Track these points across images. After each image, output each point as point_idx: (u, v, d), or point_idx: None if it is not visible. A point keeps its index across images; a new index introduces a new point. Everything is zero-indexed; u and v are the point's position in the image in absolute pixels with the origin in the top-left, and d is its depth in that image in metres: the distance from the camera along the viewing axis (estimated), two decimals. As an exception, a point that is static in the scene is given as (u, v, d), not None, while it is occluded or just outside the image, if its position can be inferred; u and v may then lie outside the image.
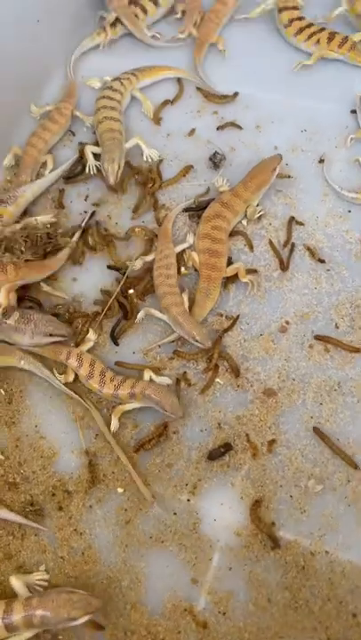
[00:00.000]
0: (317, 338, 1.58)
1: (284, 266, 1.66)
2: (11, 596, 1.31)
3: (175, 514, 1.42)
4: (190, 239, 1.68)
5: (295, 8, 1.98)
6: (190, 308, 1.59)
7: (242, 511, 1.41)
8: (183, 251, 1.67)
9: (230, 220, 1.68)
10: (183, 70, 1.98)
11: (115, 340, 1.60)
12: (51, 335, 1.53)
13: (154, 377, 1.51)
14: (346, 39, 1.91)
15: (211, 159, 1.82)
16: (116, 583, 1.36)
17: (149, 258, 1.67)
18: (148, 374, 1.50)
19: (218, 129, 1.89)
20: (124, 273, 1.66)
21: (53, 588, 1.32)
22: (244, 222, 1.73)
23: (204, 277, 1.61)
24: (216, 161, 1.81)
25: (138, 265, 1.67)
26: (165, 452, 1.48)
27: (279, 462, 1.46)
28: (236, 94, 1.93)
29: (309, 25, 1.96)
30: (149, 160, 1.82)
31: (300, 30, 1.95)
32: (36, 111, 1.93)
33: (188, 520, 1.41)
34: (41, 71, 2.00)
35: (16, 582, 1.31)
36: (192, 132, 1.89)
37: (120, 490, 1.45)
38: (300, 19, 1.97)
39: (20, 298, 1.62)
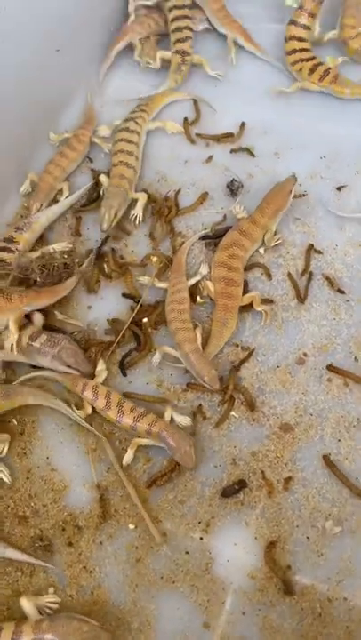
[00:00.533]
0: (330, 369, 1.53)
1: (301, 298, 1.63)
2: (19, 616, 1.29)
3: (187, 553, 1.38)
4: (203, 270, 1.65)
5: (305, 27, 1.92)
6: (207, 339, 1.56)
7: (256, 552, 1.37)
8: (198, 281, 1.65)
9: (248, 249, 1.65)
10: (183, 93, 1.98)
11: (123, 370, 1.57)
12: (68, 366, 1.51)
13: (175, 415, 1.48)
14: (328, 71, 1.88)
15: (228, 187, 1.80)
16: (125, 625, 1.32)
17: (163, 285, 1.65)
18: (169, 412, 1.47)
19: (231, 152, 1.87)
20: (139, 301, 1.64)
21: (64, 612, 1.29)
22: (262, 250, 1.70)
23: (220, 307, 1.58)
24: (233, 188, 1.79)
25: (148, 281, 1.64)
26: (178, 487, 1.44)
27: (295, 501, 1.41)
28: (243, 125, 1.90)
29: (303, 49, 1.91)
30: (135, 221, 1.76)
31: (293, 52, 1.92)
32: (55, 138, 1.94)
33: (200, 560, 1.37)
34: (60, 98, 2.01)
35: (26, 604, 1.29)
36: (209, 158, 1.88)
37: (131, 526, 1.41)
38: (300, 39, 1.92)
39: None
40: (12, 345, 1.50)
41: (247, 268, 1.68)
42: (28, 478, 1.48)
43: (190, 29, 2.01)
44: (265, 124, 1.91)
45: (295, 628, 1.30)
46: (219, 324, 1.57)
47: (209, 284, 1.62)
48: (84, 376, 1.52)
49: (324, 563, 1.34)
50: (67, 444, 1.51)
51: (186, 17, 2.01)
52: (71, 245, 1.73)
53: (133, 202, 1.78)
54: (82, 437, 1.51)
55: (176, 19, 2.01)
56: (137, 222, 1.77)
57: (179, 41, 2.00)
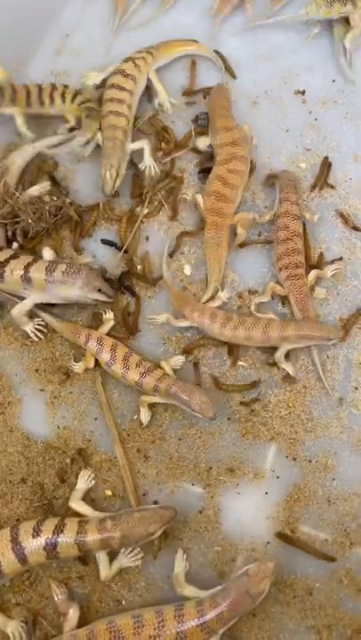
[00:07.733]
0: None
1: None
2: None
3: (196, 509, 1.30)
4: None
5: None
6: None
7: (267, 508, 1.29)
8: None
9: (246, 157, 1.52)
10: (206, 47, 1.70)
11: (133, 330, 1.45)
12: (99, 291, 1.38)
13: (170, 361, 1.38)
14: None
15: (197, 119, 1.62)
16: (130, 585, 1.25)
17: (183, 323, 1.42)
18: (166, 364, 1.37)
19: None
20: (121, 248, 1.50)
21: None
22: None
23: (210, 225, 1.47)
24: (200, 120, 1.62)
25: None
26: (184, 440, 1.35)
27: (309, 453, 1.32)
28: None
29: None
30: (147, 172, 1.56)
31: None
32: None
33: (208, 516, 1.29)
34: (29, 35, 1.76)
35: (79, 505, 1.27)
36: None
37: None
38: None
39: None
40: None
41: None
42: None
43: None
44: (271, 46, 1.73)
45: (306, 582, 1.24)
46: (212, 244, 1.45)
47: (198, 197, 1.49)
48: (112, 301, 1.41)
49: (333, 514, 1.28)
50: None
51: None
52: (48, 183, 1.57)
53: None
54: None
55: None
56: (153, 174, 1.56)
57: None
